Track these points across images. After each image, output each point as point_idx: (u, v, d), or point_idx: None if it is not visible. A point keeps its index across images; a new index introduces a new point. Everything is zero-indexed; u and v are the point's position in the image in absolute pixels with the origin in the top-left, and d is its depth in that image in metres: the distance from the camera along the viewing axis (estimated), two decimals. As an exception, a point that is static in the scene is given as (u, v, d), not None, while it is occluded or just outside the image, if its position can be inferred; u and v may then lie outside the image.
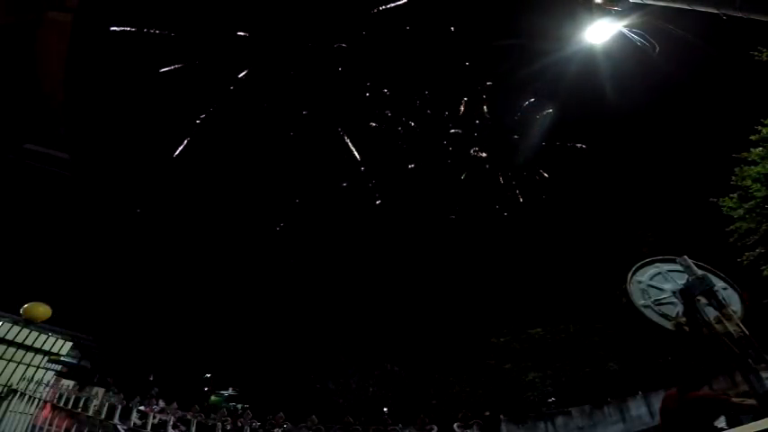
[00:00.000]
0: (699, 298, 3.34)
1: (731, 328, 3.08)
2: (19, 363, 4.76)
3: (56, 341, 5.08)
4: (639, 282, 3.85)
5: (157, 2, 24.00)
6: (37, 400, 4.38)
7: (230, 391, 34.46)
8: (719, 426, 3.50)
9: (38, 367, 4.90)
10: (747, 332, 3.04)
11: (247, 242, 35.16)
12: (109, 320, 24.97)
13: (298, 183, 36.61)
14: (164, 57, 26.18)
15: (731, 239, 12.26)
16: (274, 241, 35.66)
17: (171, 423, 3.43)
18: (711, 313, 3.25)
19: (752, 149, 11.47)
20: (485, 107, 34.16)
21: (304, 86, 32.50)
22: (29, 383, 4.44)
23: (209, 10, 26.49)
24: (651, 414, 16.03)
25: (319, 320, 29.34)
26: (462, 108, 34.47)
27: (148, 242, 29.84)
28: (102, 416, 3.89)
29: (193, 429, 3.35)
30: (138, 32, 23.37)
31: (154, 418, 3.53)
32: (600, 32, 7.65)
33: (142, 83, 25.81)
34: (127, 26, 22.69)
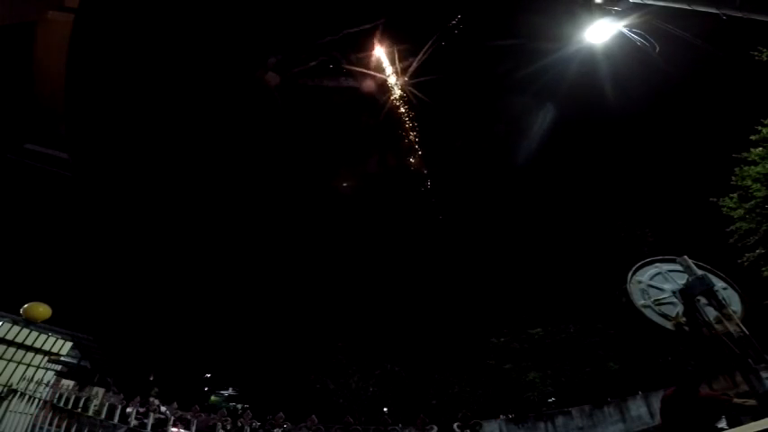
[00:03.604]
0: (699, 298, 3.34)
1: (731, 328, 3.08)
2: (19, 363, 4.76)
3: (56, 341, 5.08)
4: (639, 282, 3.85)
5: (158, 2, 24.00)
6: (37, 400, 4.38)
7: (230, 391, 34.49)
8: (720, 426, 3.50)
9: (38, 367, 4.90)
10: (747, 332, 3.04)
11: (247, 242, 35.18)
12: (109, 320, 24.97)
13: (297, 183, 36.65)
14: (164, 56, 26.18)
15: (731, 240, 12.26)
16: (274, 241, 35.67)
17: (171, 423, 3.43)
18: (711, 313, 3.25)
19: (752, 149, 11.48)
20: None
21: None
22: (29, 383, 4.44)
23: (209, 11, 26.49)
24: (651, 414, 16.02)
25: (320, 321, 29.34)
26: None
27: (148, 242, 29.85)
28: (102, 416, 3.89)
29: (193, 429, 3.35)
30: (138, 32, 23.37)
31: (155, 414, 3.53)
32: (600, 32, 7.67)
33: (142, 82, 25.81)
34: (128, 26, 22.69)
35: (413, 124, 35.05)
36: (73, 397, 4.10)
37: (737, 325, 3.10)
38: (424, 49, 31.50)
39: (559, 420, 16.77)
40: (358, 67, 32.69)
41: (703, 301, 3.32)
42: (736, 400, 3.34)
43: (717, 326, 3.15)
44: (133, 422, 3.52)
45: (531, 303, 23.54)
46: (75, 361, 20.52)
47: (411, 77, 33.29)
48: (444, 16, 30.39)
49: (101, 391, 16.60)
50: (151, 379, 27.17)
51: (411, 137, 35.29)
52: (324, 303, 31.00)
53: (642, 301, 3.69)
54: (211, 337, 30.99)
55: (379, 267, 33.59)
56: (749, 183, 11.47)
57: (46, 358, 4.97)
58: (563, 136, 32.57)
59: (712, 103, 21.96)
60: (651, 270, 3.92)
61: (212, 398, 33.94)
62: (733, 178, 11.99)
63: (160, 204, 30.63)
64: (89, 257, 24.31)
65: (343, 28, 30.35)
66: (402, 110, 34.37)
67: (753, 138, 11.51)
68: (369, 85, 33.88)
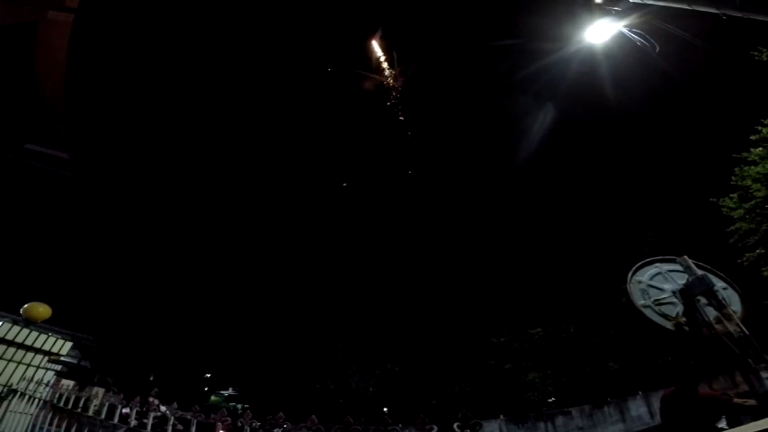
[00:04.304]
0: (699, 298, 3.34)
1: (731, 328, 3.08)
2: (19, 363, 4.75)
3: (56, 341, 5.08)
4: (639, 282, 3.85)
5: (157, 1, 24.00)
6: (37, 400, 4.38)
7: (230, 391, 34.46)
8: (720, 426, 3.50)
9: (38, 367, 4.90)
10: (747, 332, 3.04)
11: (247, 242, 35.17)
12: (109, 320, 24.96)
13: (296, 183, 36.65)
14: (163, 56, 26.18)
15: (731, 240, 12.26)
16: (274, 241, 35.66)
17: (171, 423, 3.43)
18: (711, 313, 3.25)
19: (752, 149, 11.48)
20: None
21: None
22: (29, 383, 4.44)
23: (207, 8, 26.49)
24: (651, 414, 16.02)
25: (319, 321, 29.33)
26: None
27: (148, 242, 29.83)
28: (102, 416, 3.88)
29: (193, 429, 3.35)
30: (137, 31, 23.36)
31: (154, 417, 3.53)
32: (600, 32, 7.67)
33: (142, 82, 25.80)
34: (127, 25, 22.69)
35: (413, 125, 35.04)
36: (73, 397, 4.10)
37: (737, 325, 3.09)
38: (424, 50, 31.48)
39: (559, 420, 16.78)
40: (358, 68, 32.69)
41: (703, 301, 3.32)
42: (736, 400, 3.34)
43: (717, 326, 3.15)
44: (133, 422, 3.52)
45: (531, 303, 23.54)
46: (75, 361, 20.51)
47: (411, 78, 33.28)
48: (446, 16, 30.38)
49: (101, 391, 16.59)
50: (151, 379, 27.15)
51: (411, 137, 35.28)
52: (324, 303, 30.98)
53: (642, 301, 3.69)
54: (211, 337, 30.95)
55: (379, 267, 33.58)
56: (749, 183, 11.47)
57: (46, 358, 4.98)
58: (563, 136, 32.54)
59: (712, 103, 21.94)
60: (651, 270, 3.92)
61: (212, 398, 33.91)
62: (733, 178, 11.99)
63: (160, 204, 30.61)
64: (89, 257, 24.30)
65: (343, 29, 30.33)
66: (402, 110, 34.36)
67: (753, 138, 11.51)
68: (369, 85, 33.88)
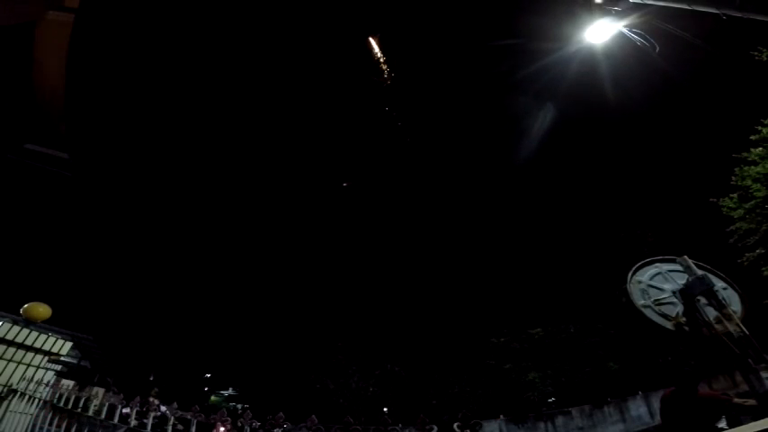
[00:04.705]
0: (699, 298, 3.34)
1: (731, 328, 3.08)
2: (19, 363, 4.75)
3: (56, 341, 5.08)
4: (639, 282, 3.85)
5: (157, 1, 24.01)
6: (37, 400, 4.38)
7: (230, 391, 34.46)
8: (720, 426, 3.50)
9: (38, 367, 4.90)
10: (747, 332, 3.04)
11: (247, 242, 35.16)
12: (109, 320, 24.97)
13: (296, 183, 36.67)
14: (163, 55, 26.19)
15: (731, 240, 12.26)
16: (274, 241, 35.66)
17: (171, 423, 3.43)
18: (711, 313, 3.25)
19: (752, 149, 11.48)
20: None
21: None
22: (29, 383, 4.44)
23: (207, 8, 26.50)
24: (651, 414, 16.02)
25: (319, 321, 29.33)
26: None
27: (148, 242, 29.82)
28: (102, 416, 3.88)
29: (193, 429, 3.34)
30: (138, 31, 23.37)
31: (154, 418, 3.53)
32: (600, 32, 7.68)
33: (142, 82, 25.81)
34: (127, 25, 22.68)
35: (413, 125, 35.04)
36: (73, 397, 4.09)
37: (737, 325, 3.09)
38: (424, 50, 31.48)
39: (559, 420, 16.78)
40: (357, 68, 32.70)
41: (703, 301, 3.32)
42: (736, 400, 3.34)
43: (717, 326, 3.15)
44: (133, 422, 3.52)
45: (531, 303, 23.53)
46: (75, 361, 20.53)
47: (412, 78, 33.28)
48: (446, 16, 30.39)
49: (101, 391, 16.59)
50: (151, 379, 27.14)
51: (410, 137, 35.28)
52: (324, 303, 30.98)
53: (642, 301, 3.69)
54: (211, 337, 30.96)
55: (379, 267, 33.58)
56: (749, 183, 11.48)
57: (46, 358, 4.97)
58: (563, 136, 32.54)
59: (712, 103, 21.94)
60: (651, 270, 3.91)
61: (212, 398, 33.92)
62: (733, 178, 11.99)
63: (160, 204, 30.61)
64: (89, 257, 24.29)
65: (343, 29, 30.34)
66: (401, 111, 34.37)
67: (753, 138, 11.52)
68: (368, 86, 33.88)
